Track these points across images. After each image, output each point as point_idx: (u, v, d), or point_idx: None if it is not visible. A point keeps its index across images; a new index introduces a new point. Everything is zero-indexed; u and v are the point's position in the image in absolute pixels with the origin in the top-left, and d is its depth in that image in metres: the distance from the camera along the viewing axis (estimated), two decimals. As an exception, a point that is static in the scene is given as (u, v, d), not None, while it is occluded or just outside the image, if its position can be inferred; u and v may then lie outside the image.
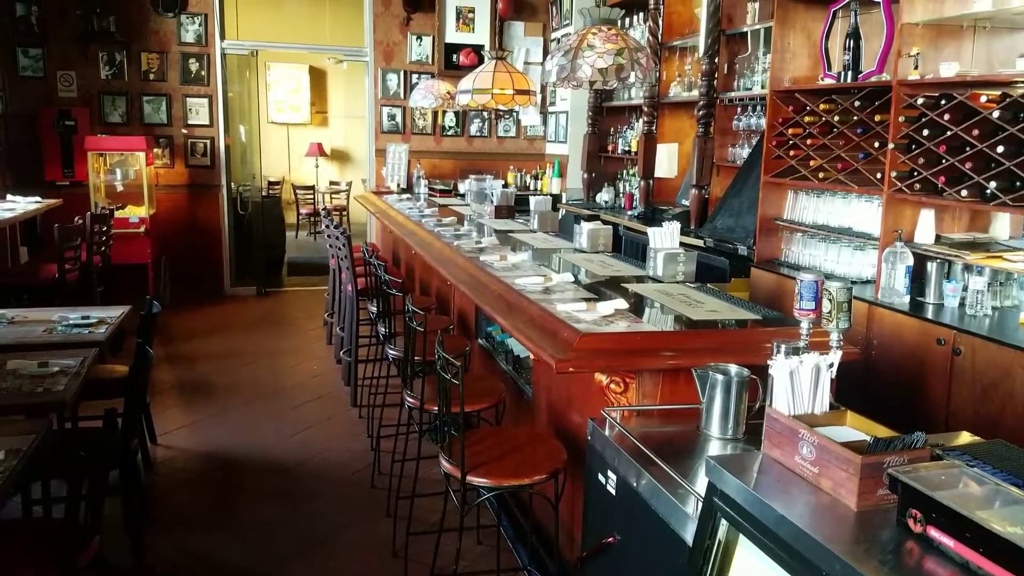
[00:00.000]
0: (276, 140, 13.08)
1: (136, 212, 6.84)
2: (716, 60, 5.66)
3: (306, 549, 3.39)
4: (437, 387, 2.65)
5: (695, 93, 6.32)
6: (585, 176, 7.72)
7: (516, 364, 3.72)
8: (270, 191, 12.26)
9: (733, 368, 2.24)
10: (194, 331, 6.63)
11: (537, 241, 4.45)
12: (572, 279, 3.17)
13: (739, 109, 5.76)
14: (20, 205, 5.87)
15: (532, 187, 8.27)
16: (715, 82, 5.70)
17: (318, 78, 13.13)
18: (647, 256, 3.41)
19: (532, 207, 4.95)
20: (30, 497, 2.96)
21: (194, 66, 7.53)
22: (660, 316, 2.78)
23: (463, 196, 7.24)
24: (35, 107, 7.11)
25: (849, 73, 3.91)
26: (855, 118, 3.81)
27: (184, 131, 7.60)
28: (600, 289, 3.13)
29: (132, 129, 7.37)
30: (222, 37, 7.59)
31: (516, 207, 5.73)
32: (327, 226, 5.67)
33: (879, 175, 3.67)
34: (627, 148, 7.44)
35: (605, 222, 6.37)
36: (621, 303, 2.67)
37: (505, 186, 7.46)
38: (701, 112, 5.74)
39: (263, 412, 4.88)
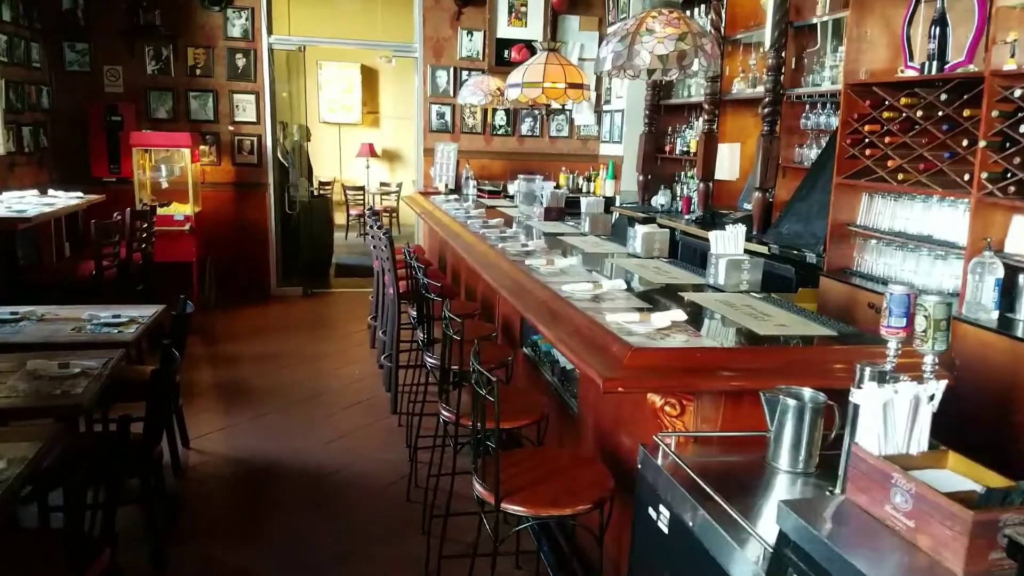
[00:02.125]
0: (328, 140, 13.06)
1: (181, 209, 6.78)
2: (783, 54, 5.32)
3: (336, 564, 3.19)
4: (472, 402, 2.42)
5: (760, 89, 5.97)
6: (641, 178, 7.43)
7: (562, 376, 3.47)
8: (320, 191, 12.24)
9: (807, 392, 1.96)
10: (237, 332, 6.53)
11: (587, 245, 4.19)
12: (624, 286, 2.90)
13: (807, 107, 5.41)
14: (60, 200, 5.82)
15: (584, 189, 8.00)
16: (782, 78, 5.36)
17: (370, 77, 13.06)
18: (707, 263, 3.12)
19: (583, 209, 4.69)
20: (47, 506, 2.81)
21: (241, 61, 7.45)
22: (722, 330, 2.49)
23: (512, 198, 7.01)
24: (81, 102, 7.12)
25: (934, 64, 3.55)
26: (940, 113, 3.46)
27: (231, 128, 7.53)
28: (655, 298, 2.86)
29: (178, 125, 7.32)
30: (269, 32, 7.49)
31: (566, 209, 5.47)
32: (371, 227, 5.50)
33: (967, 176, 3.31)
34: (685, 148, 7.12)
35: (662, 226, 6.05)
36: (678, 314, 2.39)
37: (556, 187, 7.21)
38: (766, 110, 5.40)
39: (300, 417, 4.72)
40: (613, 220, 7.36)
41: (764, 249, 4.61)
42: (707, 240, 4.89)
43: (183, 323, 3.75)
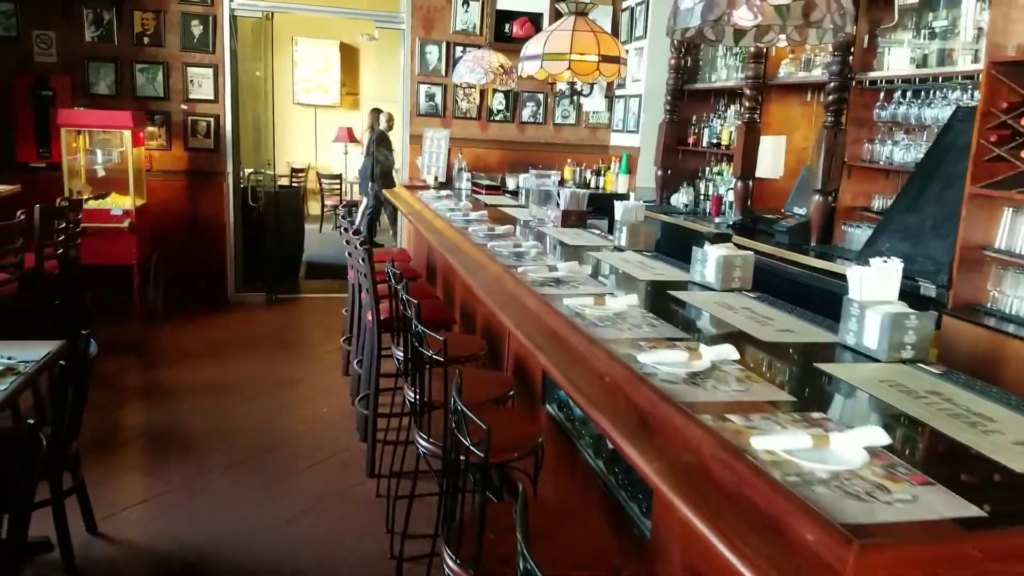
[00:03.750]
0: (302, 123, 11.92)
1: (119, 203, 5.65)
2: (854, 30, 4.32)
3: None
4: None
5: (816, 73, 5.00)
6: (659, 173, 6.43)
7: (612, 463, 2.45)
8: (293, 179, 11.13)
9: None
10: (184, 351, 5.42)
11: (633, 267, 3.16)
12: (735, 356, 1.88)
13: (882, 95, 4.43)
14: (-37, 192, 4.70)
15: (593, 184, 6.98)
16: (850, 59, 4.39)
17: (350, 56, 11.93)
18: (845, 313, 2.11)
19: (619, 216, 3.65)
20: None
21: (197, 29, 6.31)
22: (951, 465, 1.46)
23: (514, 194, 5.98)
24: (6, 74, 5.95)
25: None
26: None
27: (184, 107, 6.40)
28: (788, 380, 1.85)
29: (122, 102, 6.17)
30: (232, -5, 6.38)
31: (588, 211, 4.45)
32: (344, 229, 4.43)
33: None
34: (715, 140, 6.14)
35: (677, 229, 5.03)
36: (877, 434, 1.37)
37: (562, 183, 6.18)
38: (832, 97, 4.44)
39: (251, 480, 3.66)
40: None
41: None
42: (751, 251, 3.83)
43: (80, 373, 2.69)
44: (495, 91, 6.74)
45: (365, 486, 3.62)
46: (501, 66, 5.29)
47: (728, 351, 1.87)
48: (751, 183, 5.41)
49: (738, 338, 2.13)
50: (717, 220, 5.71)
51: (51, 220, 4.44)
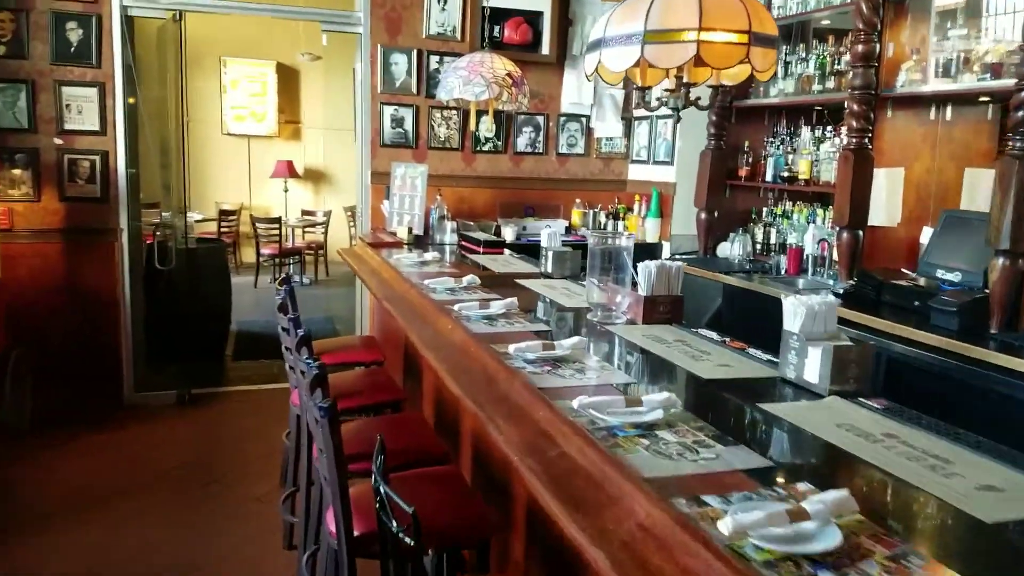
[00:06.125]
0: (233, 156, 10.14)
1: (-53, 282, 3.85)
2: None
3: None
4: None
5: (964, 81, 3.52)
6: (704, 216, 4.91)
7: None
8: (222, 223, 9.32)
9: None
10: (39, 504, 3.59)
11: (913, 470, 1.51)
12: None
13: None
14: None
15: (611, 228, 5.39)
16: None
17: (289, 79, 10.23)
18: None
19: (793, 324, 1.99)
20: None
21: (75, 34, 4.54)
22: None
23: (513, 250, 4.38)
24: None
25: None
26: None
27: (58, 141, 4.61)
28: None
29: (-38, 135, 4.40)
30: (123, -12, 4.65)
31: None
32: (283, 328, 2.70)
33: None
34: (785, 173, 4.64)
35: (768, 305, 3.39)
36: None
37: (565, 237, 4.55)
38: (1021, 113, 2.94)
39: None
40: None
41: None
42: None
43: None
44: (482, 113, 5.11)
45: None
46: (509, 75, 3.68)
47: None
48: (861, 233, 3.88)
49: None
50: (801, 283, 4.18)
51: None
